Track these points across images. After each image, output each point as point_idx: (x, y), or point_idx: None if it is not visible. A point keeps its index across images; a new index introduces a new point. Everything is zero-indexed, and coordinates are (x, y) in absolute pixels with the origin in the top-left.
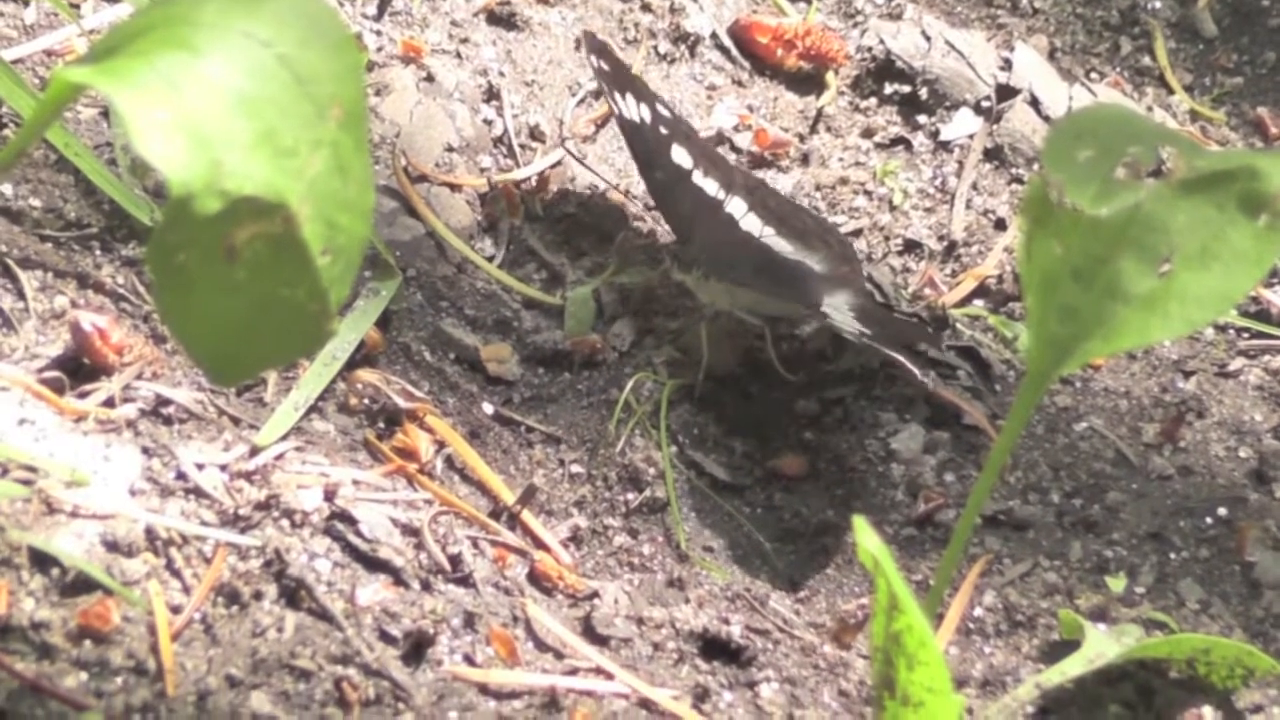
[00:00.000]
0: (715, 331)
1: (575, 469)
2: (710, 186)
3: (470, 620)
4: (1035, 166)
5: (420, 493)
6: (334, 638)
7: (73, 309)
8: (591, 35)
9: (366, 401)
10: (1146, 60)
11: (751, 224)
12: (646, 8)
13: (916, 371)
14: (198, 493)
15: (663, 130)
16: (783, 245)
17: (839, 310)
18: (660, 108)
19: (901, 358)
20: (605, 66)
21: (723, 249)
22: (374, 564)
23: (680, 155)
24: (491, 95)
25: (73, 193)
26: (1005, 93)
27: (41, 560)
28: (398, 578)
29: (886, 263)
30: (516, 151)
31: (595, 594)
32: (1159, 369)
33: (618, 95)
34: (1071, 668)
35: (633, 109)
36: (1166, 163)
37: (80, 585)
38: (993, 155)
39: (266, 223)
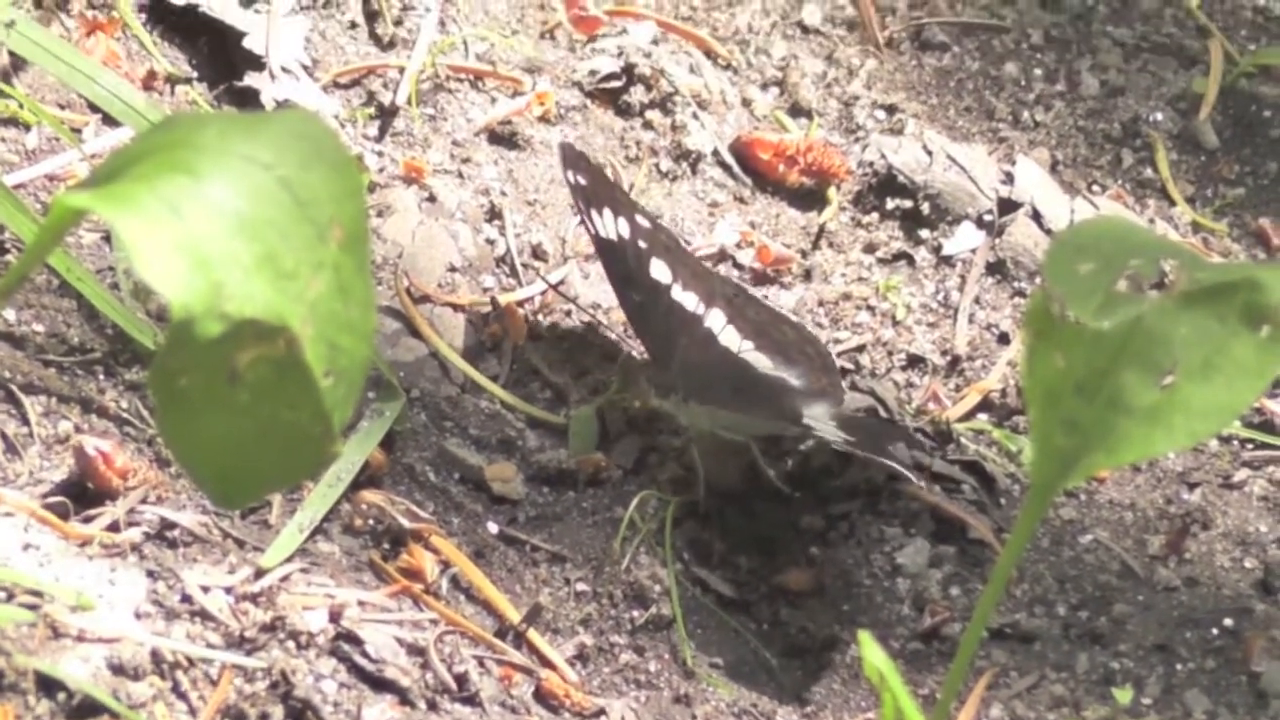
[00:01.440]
0: (716, 449)
1: (581, 587)
2: (690, 300)
3: None
4: (1038, 280)
5: (426, 612)
6: None
7: (77, 434)
8: (568, 147)
9: (371, 522)
10: (1148, 172)
11: (730, 338)
12: (648, 125)
13: (907, 471)
14: (203, 615)
15: (641, 244)
16: (761, 360)
17: (820, 421)
18: (640, 219)
19: (890, 462)
20: (582, 181)
21: (700, 370)
22: (380, 684)
23: (660, 270)
24: (494, 215)
25: (75, 318)
26: (1007, 206)
27: (48, 684)
28: (404, 698)
29: (890, 378)
30: (519, 271)
31: (602, 711)
32: (1164, 481)
33: (594, 214)
34: None
35: (610, 226)
36: (1168, 275)
37: (87, 709)
38: (995, 269)
39: (268, 345)
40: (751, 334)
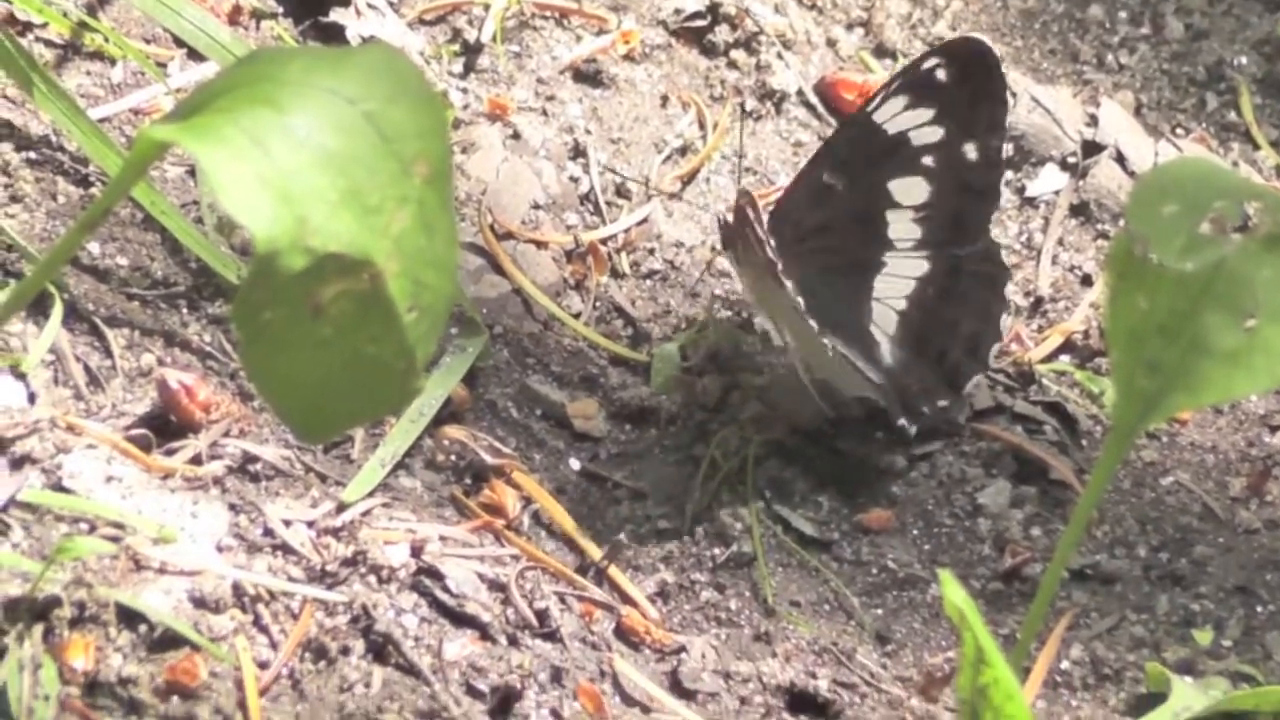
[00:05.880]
0: (800, 386)
1: (662, 525)
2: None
3: (557, 675)
4: (1121, 223)
5: (507, 548)
6: (421, 693)
7: (160, 367)
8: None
9: (453, 458)
10: (1232, 116)
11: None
12: (733, 65)
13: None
14: (285, 549)
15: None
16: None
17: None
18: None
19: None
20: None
21: (805, 262)
22: (461, 619)
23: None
24: (578, 152)
25: (159, 251)
26: (1091, 149)
27: (129, 617)
28: (485, 633)
29: None
30: (603, 209)
31: (682, 648)
32: (1245, 424)
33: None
34: None
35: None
36: (1252, 218)
37: (168, 641)
38: (1079, 211)
39: (352, 280)
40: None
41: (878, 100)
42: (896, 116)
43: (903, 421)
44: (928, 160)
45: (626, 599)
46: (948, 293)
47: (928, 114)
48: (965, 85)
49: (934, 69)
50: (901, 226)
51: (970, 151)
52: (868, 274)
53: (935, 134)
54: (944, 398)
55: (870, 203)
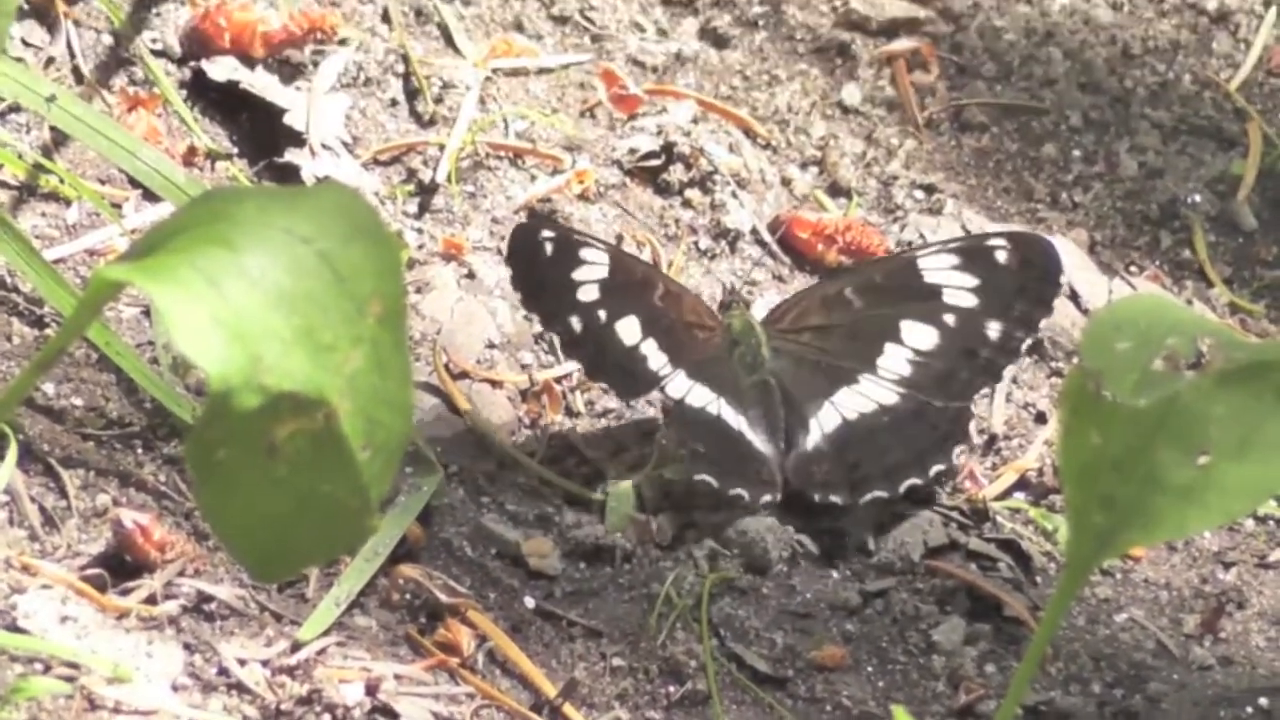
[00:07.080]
0: (759, 528)
1: (617, 662)
2: None
3: None
4: (1075, 360)
5: (462, 687)
6: None
7: (115, 507)
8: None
9: (408, 596)
10: (1186, 253)
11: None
12: (687, 204)
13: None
14: (240, 688)
15: None
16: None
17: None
18: None
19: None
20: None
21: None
22: None
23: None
24: None
25: (114, 391)
26: None
27: None
28: None
29: None
30: (557, 348)
31: None
32: (1199, 560)
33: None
34: None
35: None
36: (1205, 354)
37: None
38: (1033, 349)
39: (306, 419)
40: None
41: (932, 249)
42: (940, 270)
43: (740, 490)
44: (949, 318)
45: None
46: (898, 427)
47: (970, 281)
48: (1019, 276)
49: (996, 249)
50: (894, 361)
51: (993, 330)
52: (837, 382)
53: (968, 300)
54: (840, 495)
55: (877, 330)
